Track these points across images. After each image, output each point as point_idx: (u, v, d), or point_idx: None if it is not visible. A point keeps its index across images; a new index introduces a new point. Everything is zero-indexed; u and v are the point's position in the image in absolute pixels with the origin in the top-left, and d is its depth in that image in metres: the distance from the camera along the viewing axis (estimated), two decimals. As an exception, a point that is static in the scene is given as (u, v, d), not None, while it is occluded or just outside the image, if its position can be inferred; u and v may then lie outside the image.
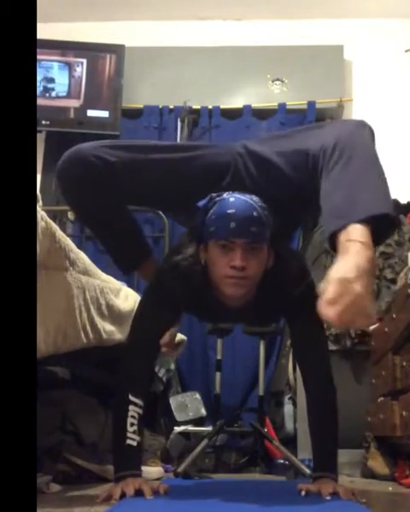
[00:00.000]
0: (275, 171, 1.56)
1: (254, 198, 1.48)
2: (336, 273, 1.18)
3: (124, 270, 1.79)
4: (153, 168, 1.58)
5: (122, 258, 1.76)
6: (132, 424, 1.46)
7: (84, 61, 3.78)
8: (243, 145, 1.65)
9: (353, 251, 1.23)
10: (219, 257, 1.47)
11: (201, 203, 1.51)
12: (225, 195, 1.49)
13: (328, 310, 1.15)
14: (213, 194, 1.51)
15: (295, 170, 1.52)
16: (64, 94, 3.75)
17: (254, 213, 1.45)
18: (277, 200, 1.54)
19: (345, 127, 1.50)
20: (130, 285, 2.53)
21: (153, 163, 1.57)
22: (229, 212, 1.44)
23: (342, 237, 1.27)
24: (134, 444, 1.46)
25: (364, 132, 1.48)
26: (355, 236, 1.25)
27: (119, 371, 1.56)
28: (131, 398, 1.48)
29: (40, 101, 3.63)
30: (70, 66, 3.78)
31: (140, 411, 1.49)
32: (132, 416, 1.47)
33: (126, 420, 1.46)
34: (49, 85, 3.74)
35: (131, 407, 1.47)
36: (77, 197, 1.61)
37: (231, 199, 1.47)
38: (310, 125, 1.63)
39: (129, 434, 1.45)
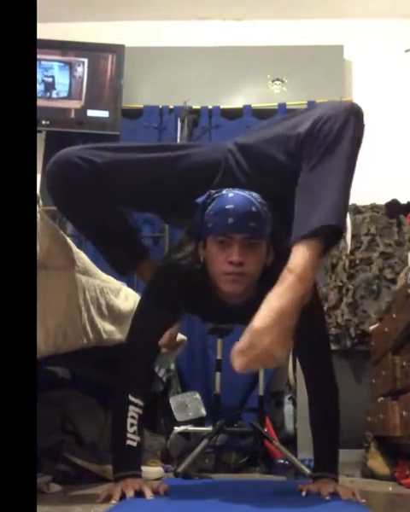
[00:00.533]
0: (266, 161, 1.54)
1: (254, 194, 1.47)
2: (253, 322, 1.23)
3: (119, 271, 1.78)
4: (140, 168, 1.56)
5: (116, 260, 1.75)
6: (132, 424, 1.46)
7: (86, 60, 3.78)
8: (234, 141, 1.64)
9: (283, 287, 1.29)
10: (218, 253, 1.46)
11: (199, 200, 1.50)
12: (224, 191, 1.48)
13: (236, 360, 1.21)
14: (212, 191, 1.50)
15: (286, 154, 1.50)
16: (65, 95, 3.75)
17: (253, 208, 1.44)
18: (275, 193, 1.52)
19: (331, 111, 1.46)
20: (130, 285, 2.53)
21: (140, 163, 1.56)
22: (227, 207, 1.43)
23: (288, 263, 1.32)
24: (134, 444, 1.45)
25: (349, 120, 1.45)
26: (293, 265, 1.31)
27: (118, 371, 1.55)
28: (131, 398, 1.47)
29: (41, 103, 3.63)
30: (71, 67, 3.78)
31: (140, 411, 1.48)
32: (132, 417, 1.46)
33: (126, 420, 1.45)
34: (50, 83, 3.74)
35: (131, 407, 1.47)
36: (64, 200, 1.60)
37: (230, 194, 1.46)
38: (299, 110, 1.60)
39: (129, 435, 1.45)
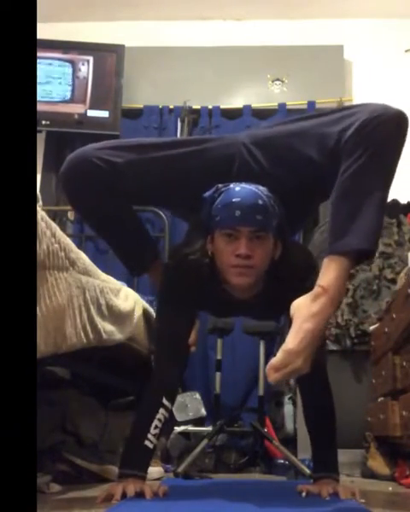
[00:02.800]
0: (287, 154, 1.53)
1: (261, 187, 1.48)
2: (287, 342, 1.28)
3: (135, 272, 1.78)
4: (157, 166, 1.57)
5: (133, 260, 1.75)
6: (156, 426, 1.47)
7: (91, 58, 3.77)
8: (247, 134, 1.63)
9: (317, 307, 1.30)
10: (225, 246, 1.47)
11: (207, 194, 1.51)
12: (231, 185, 1.49)
13: (271, 374, 1.27)
14: (219, 185, 1.51)
15: (320, 151, 1.46)
16: (67, 97, 3.74)
17: (260, 201, 1.45)
18: (290, 185, 1.53)
19: (381, 114, 1.40)
20: (130, 285, 2.53)
21: (157, 161, 1.57)
22: (234, 200, 1.45)
23: (320, 276, 1.33)
24: (151, 446, 1.46)
25: (400, 127, 1.40)
26: (327, 284, 1.31)
27: (153, 376, 1.56)
28: (165, 402, 1.50)
29: (44, 107, 3.62)
30: (74, 66, 3.76)
31: (167, 415, 1.50)
32: (159, 419, 1.48)
33: (153, 421, 1.47)
34: (50, 88, 3.73)
35: (161, 410, 1.48)
36: (83, 201, 1.61)
37: (237, 188, 1.47)
38: (333, 108, 1.55)
39: (150, 435, 1.45)
